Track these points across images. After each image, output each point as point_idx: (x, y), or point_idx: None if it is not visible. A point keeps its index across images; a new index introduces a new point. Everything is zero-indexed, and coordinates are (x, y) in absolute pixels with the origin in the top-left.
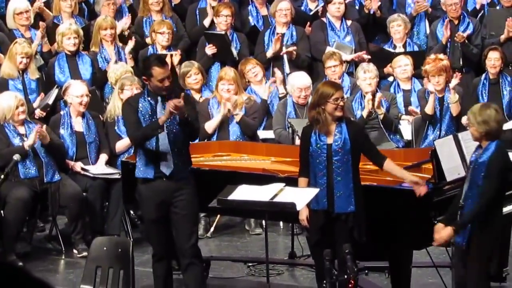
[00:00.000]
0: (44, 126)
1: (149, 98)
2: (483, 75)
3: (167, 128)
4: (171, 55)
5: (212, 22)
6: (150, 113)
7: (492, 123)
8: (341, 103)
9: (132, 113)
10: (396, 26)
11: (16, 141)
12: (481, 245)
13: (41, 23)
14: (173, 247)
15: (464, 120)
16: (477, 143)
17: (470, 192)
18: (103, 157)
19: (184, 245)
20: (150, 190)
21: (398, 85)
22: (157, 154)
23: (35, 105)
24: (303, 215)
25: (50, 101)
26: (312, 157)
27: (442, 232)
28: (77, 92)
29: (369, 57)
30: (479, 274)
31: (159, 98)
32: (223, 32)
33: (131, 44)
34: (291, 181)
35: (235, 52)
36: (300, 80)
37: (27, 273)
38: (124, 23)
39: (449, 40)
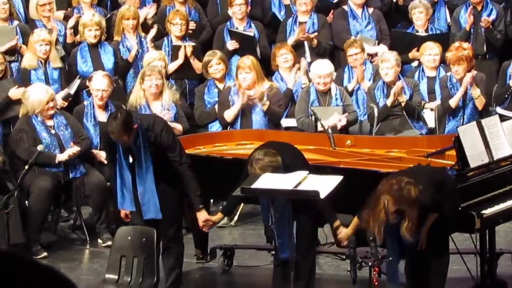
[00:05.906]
0: (75, 149)
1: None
2: None
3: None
4: (185, 46)
5: None
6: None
7: None
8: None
9: None
10: (418, 12)
11: (44, 134)
12: None
13: (74, 15)
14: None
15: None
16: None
17: None
18: None
19: (163, 232)
20: None
21: (423, 71)
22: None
23: (57, 96)
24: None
25: (72, 91)
26: None
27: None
28: (96, 85)
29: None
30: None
31: None
32: (251, 34)
33: (152, 32)
34: (315, 169)
35: (259, 52)
36: (319, 67)
37: (52, 270)
38: (146, 12)
39: (472, 26)
